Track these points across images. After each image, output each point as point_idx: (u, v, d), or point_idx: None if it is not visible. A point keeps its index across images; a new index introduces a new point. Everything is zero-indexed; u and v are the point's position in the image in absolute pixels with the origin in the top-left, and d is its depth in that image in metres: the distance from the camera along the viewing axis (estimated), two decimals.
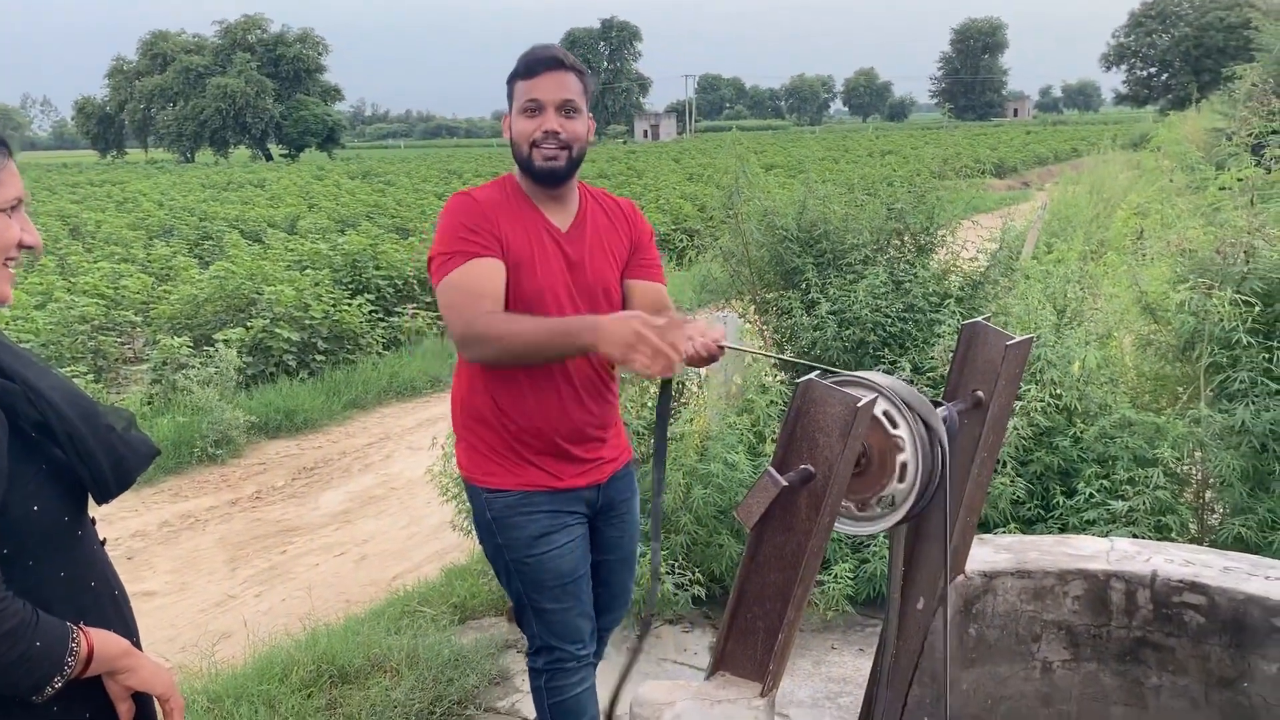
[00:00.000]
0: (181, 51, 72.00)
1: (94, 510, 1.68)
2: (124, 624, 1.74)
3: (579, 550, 2.60)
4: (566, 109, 2.42)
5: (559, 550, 2.54)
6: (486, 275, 2.35)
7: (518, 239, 2.43)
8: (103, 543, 1.74)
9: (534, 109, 2.41)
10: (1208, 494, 3.85)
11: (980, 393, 2.09)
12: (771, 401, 4.43)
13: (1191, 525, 3.75)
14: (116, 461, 1.62)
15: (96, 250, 14.24)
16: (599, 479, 2.61)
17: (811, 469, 1.72)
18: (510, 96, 2.48)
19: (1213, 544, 3.57)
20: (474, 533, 2.64)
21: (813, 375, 1.75)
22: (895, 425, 1.82)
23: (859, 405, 1.68)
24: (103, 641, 1.57)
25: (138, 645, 1.78)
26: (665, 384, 2.40)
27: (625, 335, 2.12)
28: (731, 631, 1.85)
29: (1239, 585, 2.26)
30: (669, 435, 2.73)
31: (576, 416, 2.52)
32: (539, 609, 2.59)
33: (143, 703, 1.70)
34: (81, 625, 1.55)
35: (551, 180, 2.47)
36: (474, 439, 2.54)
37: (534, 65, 2.42)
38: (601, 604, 2.79)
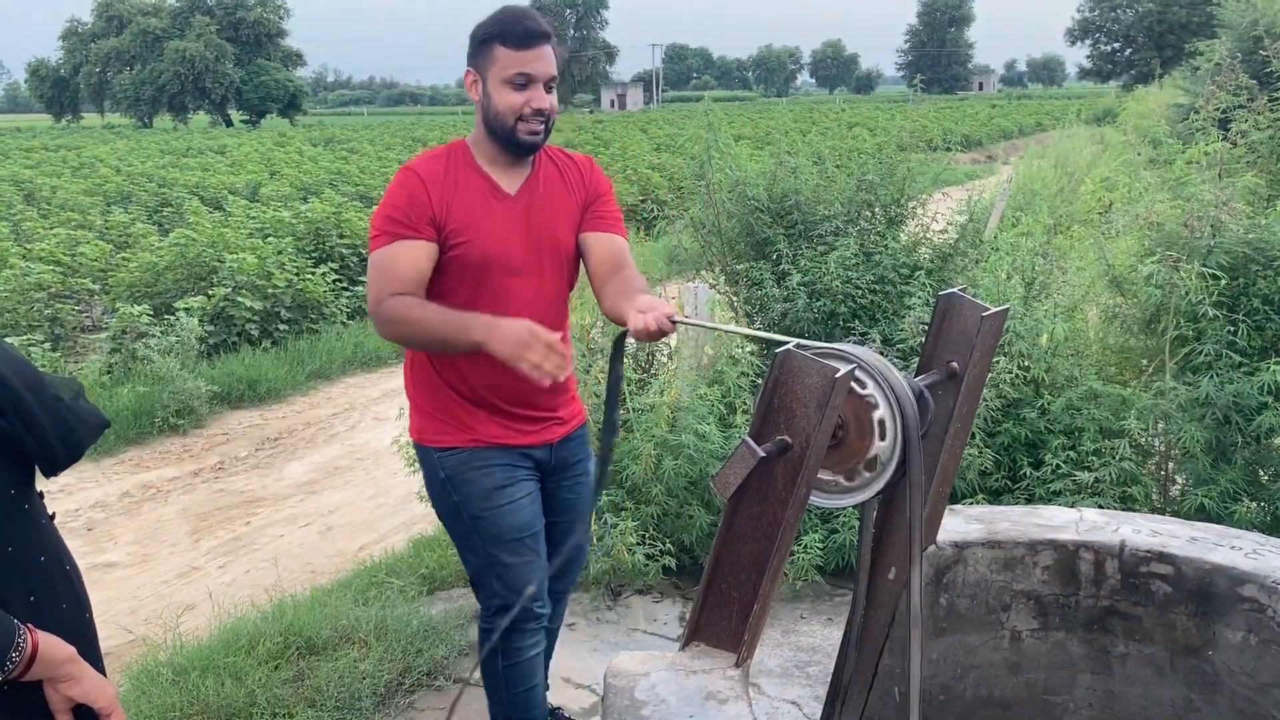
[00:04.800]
0: (138, 14, 70.32)
1: (45, 483, 1.63)
2: (76, 599, 1.69)
3: (535, 505, 2.64)
4: (550, 84, 2.45)
5: (516, 504, 2.58)
6: (406, 258, 2.39)
7: (460, 209, 2.45)
8: (51, 517, 1.69)
9: (523, 84, 2.41)
10: (1171, 465, 3.90)
11: (955, 363, 2.08)
12: (742, 373, 4.43)
13: (1155, 496, 3.80)
14: (65, 432, 1.57)
15: (52, 216, 13.93)
16: (549, 439, 2.65)
17: (789, 440, 1.71)
18: (484, 56, 2.44)
19: (1175, 514, 3.62)
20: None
21: (789, 345, 1.74)
22: (870, 393, 1.81)
23: (837, 376, 1.67)
24: (48, 645, 1.52)
25: (91, 620, 1.74)
26: (619, 347, 2.35)
27: (519, 335, 2.15)
28: (706, 602, 1.85)
29: (1205, 555, 2.29)
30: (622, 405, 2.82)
31: (526, 381, 2.47)
32: (499, 564, 2.60)
33: (85, 716, 1.63)
34: (29, 626, 1.50)
35: (530, 152, 2.51)
36: (424, 400, 2.60)
37: (528, 37, 2.39)
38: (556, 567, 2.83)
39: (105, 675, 1.70)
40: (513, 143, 2.46)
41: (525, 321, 2.19)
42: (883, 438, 1.82)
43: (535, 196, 2.55)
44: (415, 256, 2.41)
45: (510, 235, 2.49)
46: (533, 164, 2.58)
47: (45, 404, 1.54)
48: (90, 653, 1.66)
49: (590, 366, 4.37)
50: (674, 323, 2.20)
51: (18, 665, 1.47)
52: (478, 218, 2.46)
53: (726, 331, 2.48)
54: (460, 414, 2.56)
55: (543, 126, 2.45)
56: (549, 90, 2.45)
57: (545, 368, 2.14)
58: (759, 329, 5.19)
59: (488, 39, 2.42)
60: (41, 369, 1.63)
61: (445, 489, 2.59)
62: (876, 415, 1.81)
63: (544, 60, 2.42)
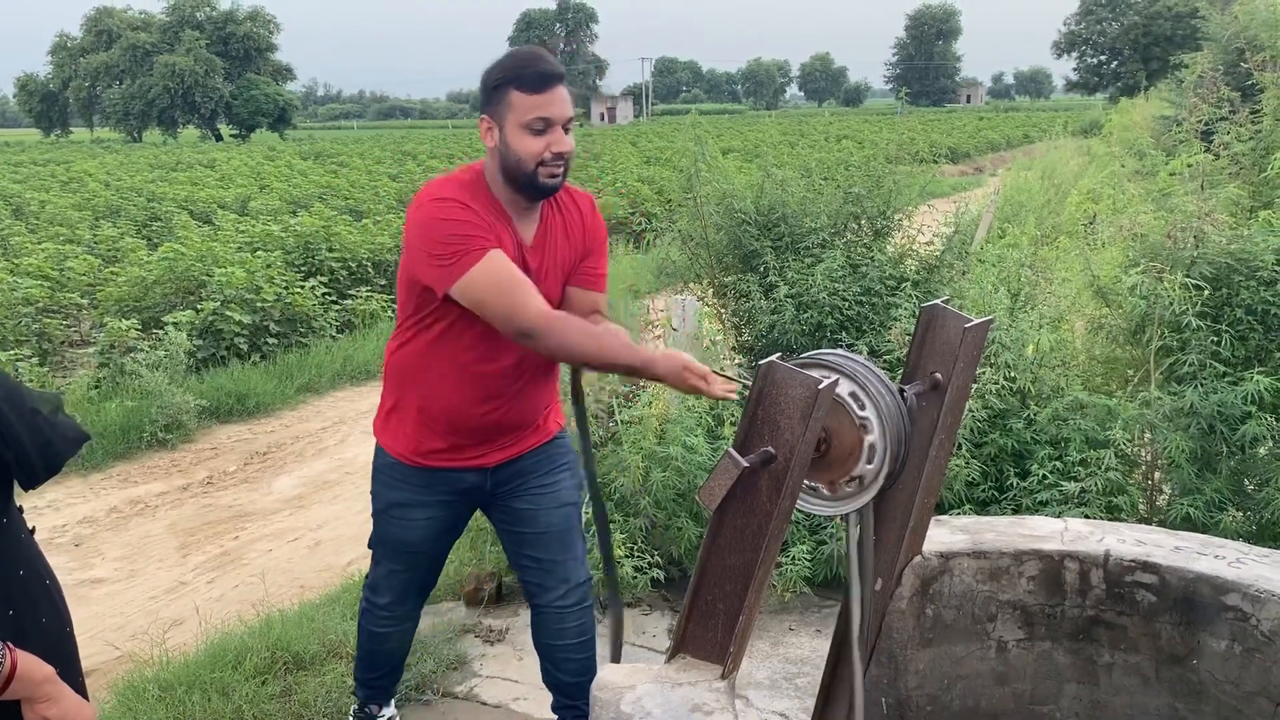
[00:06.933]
0: (128, 28, 70.31)
1: (32, 499, 1.63)
2: (56, 613, 1.68)
3: (434, 528, 2.78)
4: (568, 125, 2.41)
5: (409, 522, 2.76)
6: (512, 267, 2.36)
7: (503, 248, 2.42)
8: (31, 531, 1.68)
9: (543, 128, 2.36)
10: (1157, 475, 3.91)
11: (938, 375, 2.09)
12: None
13: (1141, 506, 3.81)
14: (43, 445, 1.56)
15: (41, 231, 13.90)
16: (485, 464, 2.67)
17: (773, 451, 1.71)
18: (499, 103, 2.39)
19: (1161, 524, 3.63)
20: None
21: (774, 358, 1.75)
22: (862, 407, 1.82)
23: (820, 387, 1.68)
24: (27, 664, 1.51)
25: (72, 635, 1.73)
26: (579, 405, 2.65)
27: (678, 369, 2.32)
28: (692, 614, 1.85)
29: (1189, 564, 2.30)
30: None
31: (479, 413, 2.58)
32: (376, 557, 2.90)
33: None
34: (9, 644, 1.49)
35: (551, 194, 2.48)
36: (390, 398, 2.71)
37: (542, 81, 2.35)
38: (535, 579, 2.82)
39: (85, 693, 1.68)
40: (534, 187, 2.42)
41: (677, 356, 2.35)
42: (869, 461, 1.83)
43: (545, 250, 2.55)
44: (513, 263, 2.39)
45: None
46: (544, 208, 2.55)
47: (23, 416, 1.53)
48: (70, 669, 1.65)
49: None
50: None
51: None
52: None
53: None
54: (404, 426, 2.66)
55: (562, 169, 2.42)
56: (567, 131, 2.41)
57: (708, 390, 2.33)
58: (745, 342, 5.21)
59: (502, 84, 2.38)
60: (29, 384, 1.63)
61: (373, 477, 2.82)
62: (868, 440, 1.82)
63: (561, 102, 2.38)
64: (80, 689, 1.68)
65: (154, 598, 4.66)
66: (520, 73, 2.36)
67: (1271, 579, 2.22)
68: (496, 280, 2.34)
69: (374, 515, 2.84)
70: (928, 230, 5.52)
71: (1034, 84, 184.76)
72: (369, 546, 2.93)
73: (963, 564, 2.42)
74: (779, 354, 1.78)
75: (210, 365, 8.21)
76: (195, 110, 67.82)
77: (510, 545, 2.87)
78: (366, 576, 3.00)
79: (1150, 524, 3.62)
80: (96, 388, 7.39)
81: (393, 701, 3.22)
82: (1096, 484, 3.64)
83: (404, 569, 2.87)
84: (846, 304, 4.89)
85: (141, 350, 7.44)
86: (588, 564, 2.90)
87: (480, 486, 2.71)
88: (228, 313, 8.44)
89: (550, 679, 2.99)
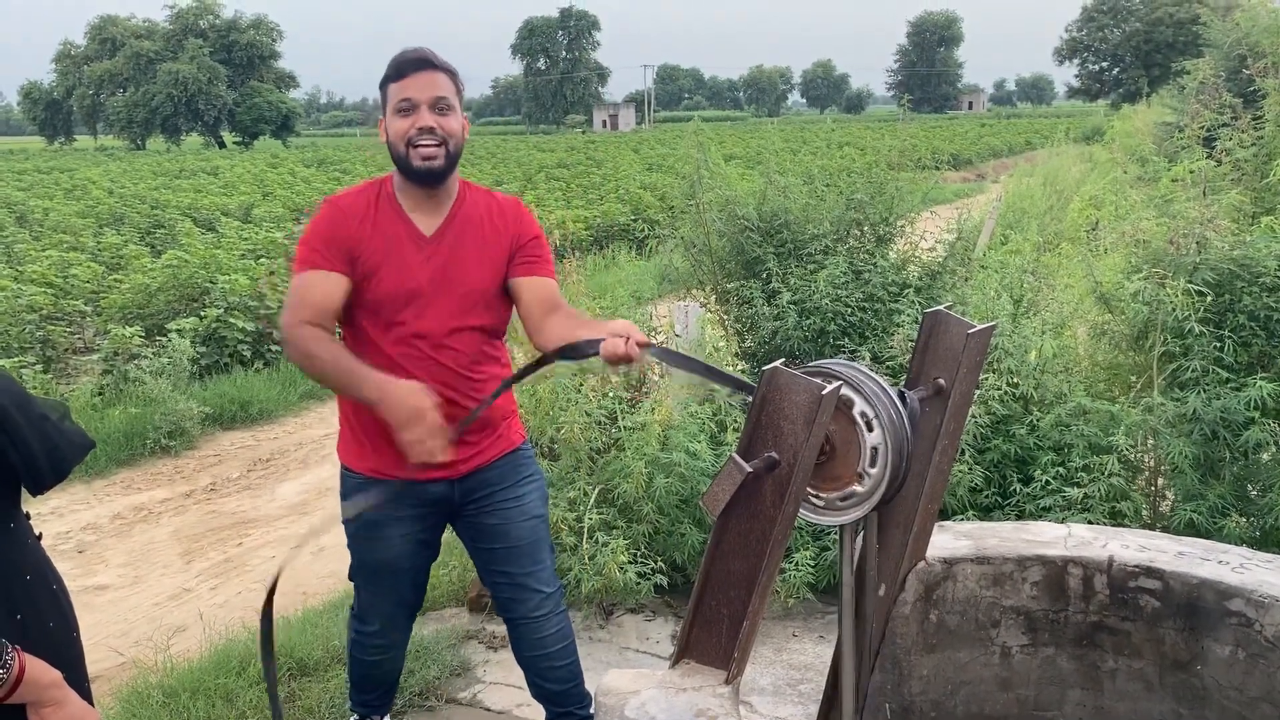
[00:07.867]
0: (131, 36, 70.52)
1: (35, 505, 1.64)
2: (62, 617, 1.69)
3: (408, 545, 2.75)
4: (439, 106, 2.49)
5: (384, 541, 2.73)
6: (317, 288, 2.50)
7: (376, 245, 2.52)
8: (38, 537, 1.68)
9: (407, 108, 2.48)
10: (1160, 481, 3.91)
11: (941, 380, 2.10)
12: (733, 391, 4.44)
13: (1144, 511, 3.81)
14: (51, 450, 1.57)
15: (45, 238, 13.95)
16: (449, 475, 2.67)
17: (776, 456, 1.72)
18: (384, 101, 2.54)
19: (1165, 530, 3.63)
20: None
21: (778, 363, 1.75)
22: (865, 414, 1.82)
23: (823, 393, 1.68)
24: (35, 668, 1.51)
25: (78, 640, 1.73)
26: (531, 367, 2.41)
27: (408, 407, 2.29)
28: (696, 619, 1.85)
29: (1193, 570, 2.30)
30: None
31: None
32: (358, 585, 2.89)
33: None
34: (18, 648, 1.49)
35: (430, 179, 2.53)
36: (345, 417, 2.71)
37: (403, 67, 2.49)
38: (508, 594, 2.83)
39: (91, 698, 1.69)
40: (410, 171, 2.50)
41: (418, 392, 2.31)
42: (872, 467, 1.83)
43: (451, 239, 2.58)
44: (327, 288, 2.50)
45: (420, 278, 2.54)
46: (454, 205, 2.61)
47: (32, 421, 1.54)
48: (76, 674, 1.65)
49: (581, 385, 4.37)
50: (644, 348, 2.21)
51: (4, 687, 1.46)
52: (390, 260, 2.53)
53: (701, 374, 2.29)
54: (364, 439, 2.65)
55: (437, 148, 2.48)
56: (440, 112, 2.49)
57: (422, 448, 2.28)
58: (748, 349, 5.22)
59: (382, 83, 2.54)
60: (32, 391, 1.64)
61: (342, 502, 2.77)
62: (871, 444, 1.82)
63: (424, 84, 2.48)
64: (86, 694, 1.68)
65: (158, 604, 4.66)
66: (390, 69, 2.51)
67: (1275, 584, 2.23)
68: (295, 290, 2.52)
69: (349, 541, 2.82)
70: (930, 237, 5.53)
71: (1036, 90, 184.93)
72: (349, 578, 2.92)
73: (966, 570, 2.42)
74: (782, 360, 1.79)
75: (213, 372, 8.22)
76: (199, 118, 67.99)
77: (480, 561, 2.87)
78: (352, 607, 3.00)
79: (1154, 529, 3.62)
80: (100, 395, 7.41)
81: (388, 716, 3.24)
82: (1099, 490, 3.64)
83: (387, 591, 2.86)
84: (849, 310, 4.89)
85: (145, 357, 7.46)
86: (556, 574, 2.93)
87: (448, 498, 2.71)
88: (231, 320, 8.46)
89: (539, 691, 2.97)
